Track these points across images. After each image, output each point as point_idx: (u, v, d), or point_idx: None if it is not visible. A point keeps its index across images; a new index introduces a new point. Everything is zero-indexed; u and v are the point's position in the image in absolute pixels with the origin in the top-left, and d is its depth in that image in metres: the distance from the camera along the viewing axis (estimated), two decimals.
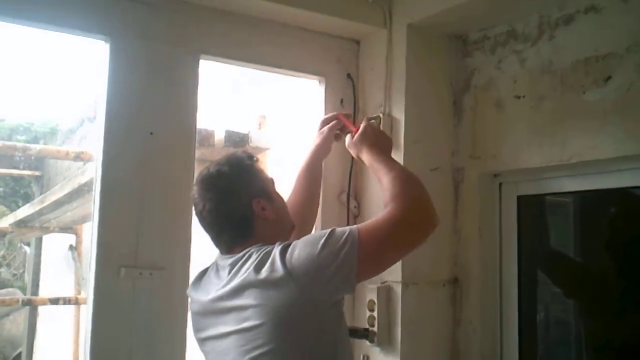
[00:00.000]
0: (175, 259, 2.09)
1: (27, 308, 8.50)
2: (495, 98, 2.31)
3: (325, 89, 2.48)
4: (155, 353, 2.06)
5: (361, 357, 2.36)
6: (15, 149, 5.83)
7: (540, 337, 2.45)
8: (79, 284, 7.13)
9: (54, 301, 6.31)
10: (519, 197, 2.32)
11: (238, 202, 1.73)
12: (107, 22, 2.05)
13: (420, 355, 2.30)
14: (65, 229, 7.51)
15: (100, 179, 2.02)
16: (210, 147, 3.99)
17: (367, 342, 2.27)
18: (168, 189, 2.07)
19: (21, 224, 7.68)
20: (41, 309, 8.33)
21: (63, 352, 7.17)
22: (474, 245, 2.35)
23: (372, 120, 2.26)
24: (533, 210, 2.38)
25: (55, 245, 8.27)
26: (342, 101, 2.49)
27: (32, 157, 7.42)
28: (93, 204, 2.05)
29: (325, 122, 2.20)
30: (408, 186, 1.73)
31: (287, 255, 1.56)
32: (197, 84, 2.19)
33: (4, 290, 10.26)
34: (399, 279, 2.25)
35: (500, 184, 2.37)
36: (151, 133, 2.09)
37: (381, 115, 2.34)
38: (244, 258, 1.64)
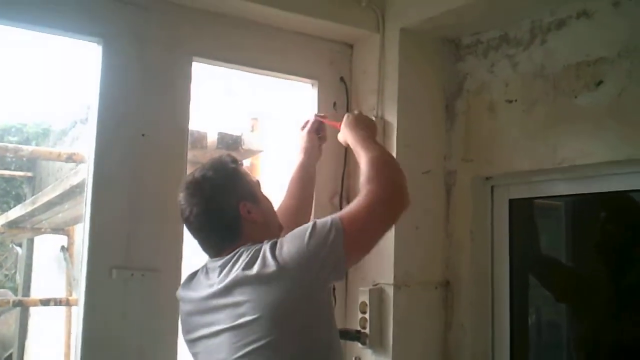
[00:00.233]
0: (167, 261, 2.09)
1: (19, 309, 8.46)
2: (488, 102, 2.32)
3: (318, 92, 2.48)
4: (147, 354, 2.06)
5: (353, 359, 2.36)
6: (7, 150, 5.81)
7: (532, 340, 2.46)
8: (70, 285, 7.11)
9: (45, 302, 6.29)
10: (510, 201, 2.33)
11: (224, 206, 1.74)
12: (100, 25, 2.05)
13: (412, 358, 2.31)
14: (57, 230, 7.49)
15: (92, 180, 2.02)
16: (203, 149, 3.98)
17: (359, 344, 2.28)
18: (160, 190, 2.07)
19: (13, 225, 7.66)
20: (32, 310, 8.29)
21: (54, 354, 7.14)
22: (465, 248, 2.36)
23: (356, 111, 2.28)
24: (525, 214, 2.39)
25: (46, 246, 8.24)
26: (335, 104, 2.49)
27: (24, 158, 7.40)
28: (85, 205, 2.05)
29: (304, 125, 2.27)
30: (382, 169, 1.79)
31: (277, 251, 1.59)
32: (190, 86, 2.19)
33: None
34: (391, 281, 2.26)
35: (492, 187, 2.38)
36: (143, 135, 2.08)
37: (374, 118, 2.35)
38: (234, 258, 1.66)
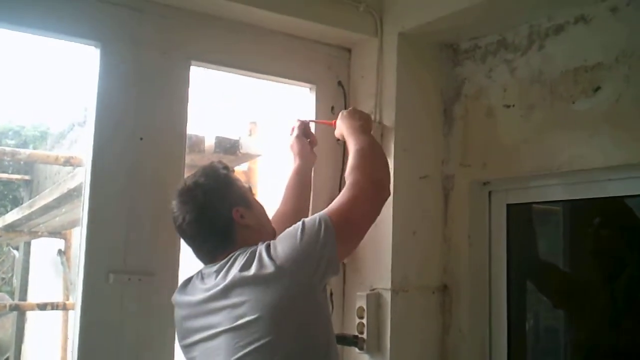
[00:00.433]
0: (164, 265, 2.08)
1: (15, 313, 8.44)
2: (486, 107, 2.32)
3: (316, 96, 2.48)
4: (144, 359, 2.05)
5: None
6: (5, 154, 5.81)
7: (530, 345, 2.45)
8: (67, 289, 7.10)
9: (42, 307, 6.29)
10: (508, 206, 2.33)
11: (217, 212, 1.76)
12: (98, 28, 2.05)
13: None
14: (54, 233, 7.48)
15: (90, 184, 2.01)
16: (201, 153, 3.98)
17: (357, 349, 2.27)
18: (158, 194, 2.06)
19: (9, 228, 7.65)
20: (29, 314, 8.27)
21: (51, 358, 7.12)
22: (463, 253, 2.36)
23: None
24: (523, 219, 2.39)
25: (43, 250, 8.23)
26: (332, 108, 2.49)
27: (22, 162, 7.40)
28: (82, 209, 2.05)
29: (292, 131, 2.32)
30: (366, 160, 1.88)
31: (272, 252, 1.62)
32: (188, 90, 2.19)
33: None
34: (389, 286, 2.26)
35: (490, 192, 2.37)
36: (141, 138, 2.08)
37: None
38: (230, 261, 1.68)
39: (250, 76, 2.46)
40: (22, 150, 6.40)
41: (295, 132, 2.29)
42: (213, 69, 2.35)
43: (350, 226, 1.72)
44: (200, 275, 1.77)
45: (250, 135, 4.35)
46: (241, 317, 1.58)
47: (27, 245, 8.82)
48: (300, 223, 1.68)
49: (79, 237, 2.13)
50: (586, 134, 1.99)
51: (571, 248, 2.41)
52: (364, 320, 2.27)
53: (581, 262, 2.37)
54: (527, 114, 2.17)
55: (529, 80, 2.18)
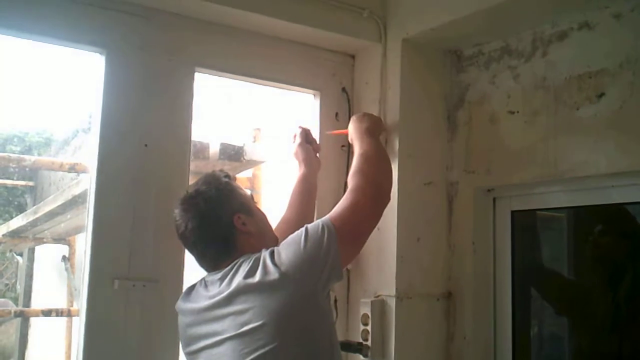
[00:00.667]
0: (169, 272, 2.09)
1: (19, 319, 8.45)
2: (489, 113, 2.32)
3: (320, 102, 2.49)
4: None
5: None
6: (10, 160, 5.83)
7: (534, 352, 2.45)
8: (71, 295, 7.11)
9: (47, 313, 6.29)
10: (512, 212, 2.33)
11: (219, 219, 1.78)
12: (103, 35, 2.06)
13: None
14: (58, 239, 7.49)
15: (95, 191, 2.02)
16: (205, 159, 3.99)
17: (361, 357, 2.27)
18: (162, 201, 2.07)
19: (14, 234, 7.66)
20: (33, 320, 8.28)
21: None
22: (467, 259, 2.35)
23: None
24: (527, 225, 2.39)
25: (48, 256, 8.24)
26: (337, 115, 2.50)
27: (27, 169, 7.41)
28: (87, 216, 2.05)
29: (294, 139, 2.33)
30: (369, 164, 1.91)
31: (276, 258, 1.63)
32: (192, 97, 2.20)
33: None
34: (393, 293, 2.25)
35: (494, 199, 2.37)
36: (146, 145, 2.09)
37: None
38: (234, 268, 1.68)
39: (254, 83, 2.46)
40: (27, 157, 6.43)
41: (298, 140, 2.30)
42: (217, 75, 2.35)
43: (352, 231, 1.74)
44: (204, 282, 1.78)
45: (254, 141, 4.36)
46: (246, 323, 1.59)
47: (31, 251, 8.84)
48: (303, 229, 1.69)
49: (83, 243, 2.14)
50: (590, 140, 1.99)
51: (575, 255, 2.41)
52: (369, 327, 2.26)
53: (585, 268, 2.36)
54: (531, 120, 2.17)
55: (533, 86, 2.18)
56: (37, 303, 8.23)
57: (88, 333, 1.98)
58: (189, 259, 2.07)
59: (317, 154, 2.33)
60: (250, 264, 1.64)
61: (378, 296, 2.30)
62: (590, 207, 2.17)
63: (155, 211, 2.07)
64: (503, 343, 2.31)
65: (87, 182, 2.12)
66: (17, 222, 7.50)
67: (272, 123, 4.34)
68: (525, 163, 2.17)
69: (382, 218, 1.86)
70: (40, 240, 7.77)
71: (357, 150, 2.00)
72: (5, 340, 9.72)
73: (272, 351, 1.57)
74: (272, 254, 1.65)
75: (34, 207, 7.23)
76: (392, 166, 2.07)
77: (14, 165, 6.17)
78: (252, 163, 4.39)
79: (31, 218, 6.86)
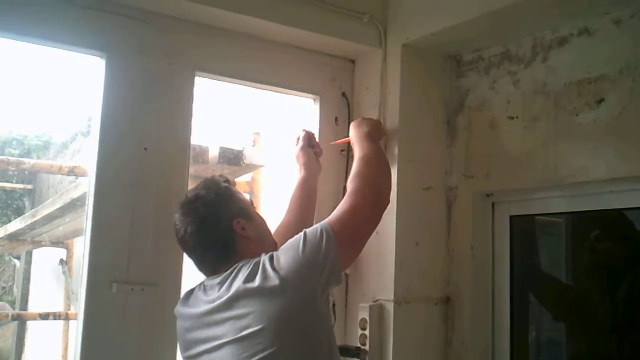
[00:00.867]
0: (167, 275, 2.08)
1: (16, 322, 8.43)
2: (489, 118, 2.32)
3: (320, 107, 2.49)
4: None
5: None
6: (9, 163, 5.83)
7: (532, 357, 2.45)
8: (68, 299, 7.09)
9: (45, 316, 6.30)
10: (511, 217, 2.33)
11: (218, 223, 1.78)
12: (104, 39, 2.06)
13: None
14: (56, 243, 7.49)
15: (94, 194, 2.02)
16: (205, 163, 3.99)
17: None
18: (161, 204, 2.07)
19: (12, 237, 7.66)
20: (30, 323, 8.26)
21: None
22: (466, 264, 2.35)
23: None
24: (525, 230, 2.39)
25: (45, 259, 8.23)
26: (336, 119, 2.50)
27: (26, 172, 7.42)
28: (85, 219, 2.05)
29: (297, 141, 2.33)
30: (369, 167, 1.91)
31: (275, 263, 1.63)
32: (192, 101, 2.20)
33: None
34: (391, 297, 2.25)
35: (493, 204, 2.37)
36: (145, 149, 2.09)
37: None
38: (234, 273, 1.69)
39: (254, 87, 2.46)
40: (26, 160, 6.43)
41: (301, 143, 2.30)
42: (217, 79, 2.35)
43: (351, 234, 1.74)
44: (203, 287, 1.78)
45: (254, 145, 4.36)
46: (245, 328, 1.59)
47: (29, 254, 8.83)
48: (302, 234, 1.69)
49: (81, 246, 2.14)
50: (590, 146, 1.99)
51: (573, 260, 2.41)
52: (367, 332, 2.26)
53: (583, 273, 2.36)
54: (531, 125, 2.18)
55: (533, 92, 2.18)
56: (34, 306, 8.22)
57: (85, 337, 1.97)
58: (188, 263, 2.07)
59: (319, 159, 2.32)
60: (250, 268, 1.64)
61: (376, 300, 2.30)
62: (589, 213, 2.17)
63: (154, 215, 2.07)
64: (501, 348, 2.31)
65: (86, 186, 2.12)
66: (15, 225, 7.49)
67: (272, 127, 4.34)
68: (525, 168, 2.18)
69: (381, 222, 1.86)
70: (38, 244, 7.76)
71: (356, 154, 2.00)
72: (2, 344, 9.70)
73: (271, 355, 1.57)
74: (271, 259, 1.65)
75: (33, 210, 7.22)
76: (392, 171, 2.07)
77: (12, 168, 6.17)
78: (252, 167, 4.39)
79: (29, 221, 6.85)
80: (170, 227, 1.83)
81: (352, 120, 2.42)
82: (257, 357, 1.57)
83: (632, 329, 2.12)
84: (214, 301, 1.67)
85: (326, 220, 1.73)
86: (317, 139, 2.37)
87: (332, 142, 2.43)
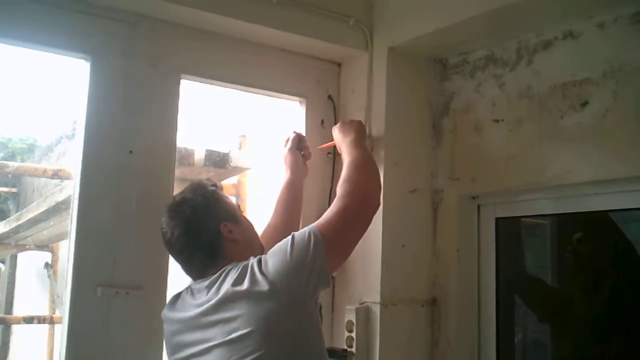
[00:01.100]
0: (153, 279, 2.07)
1: (0, 326, 8.36)
2: (474, 121, 2.33)
3: (306, 110, 2.49)
4: None
5: None
6: None
7: (518, 358, 2.46)
8: (53, 302, 7.04)
9: (29, 320, 6.23)
10: (497, 219, 2.34)
11: (205, 226, 1.78)
12: (89, 41, 2.05)
13: None
14: (41, 246, 7.42)
15: (79, 197, 2.01)
16: (190, 166, 3.98)
17: None
18: (147, 207, 2.06)
19: None
20: (14, 328, 8.19)
21: None
22: (452, 266, 2.36)
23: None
24: (511, 232, 2.40)
25: (30, 263, 8.16)
26: (322, 122, 2.50)
27: (9, 175, 7.36)
28: (70, 222, 2.04)
29: (286, 143, 2.32)
30: (358, 172, 1.90)
31: (263, 267, 1.63)
32: (178, 104, 2.19)
33: None
34: (378, 299, 2.25)
35: (479, 206, 2.38)
36: (130, 151, 2.08)
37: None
38: (222, 276, 1.68)
39: (240, 90, 2.46)
40: (10, 163, 6.36)
41: (289, 144, 2.29)
42: (203, 82, 2.34)
43: (340, 239, 1.73)
44: (190, 290, 1.77)
45: (240, 148, 4.35)
46: (234, 331, 1.58)
47: (14, 258, 8.74)
48: (290, 237, 1.69)
49: (66, 250, 2.12)
50: (574, 148, 2.01)
51: (559, 262, 2.42)
52: (353, 334, 2.26)
53: (567, 275, 2.38)
54: (516, 128, 2.19)
55: (518, 95, 2.19)
56: (18, 310, 8.13)
57: (70, 341, 1.96)
58: (173, 266, 2.07)
59: (306, 162, 2.32)
60: (239, 271, 1.64)
61: (363, 303, 2.30)
62: (574, 215, 2.18)
63: (139, 218, 2.06)
64: (487, 349, 2.31)
65: (71, 189, 2.11)
66: (0, 228, 7.42)
67: (258, 130, 4.34)
68: (510, 171, 2.19)
69: None
70: (22, 247, 7.69)
71: (346, 158, 2.01)
72: None
73: (260, 358, 1.56)
74: (259, 262, 1.64)
75: (17, 213, 7.16)
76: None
77: None
78: (238, 170, 4.38)
79: (14, 225, 6.79)
80: (156, 230, 1.82)
81: (337, 122, 2.43)
82: None
83: (617, 330, 2.13)
84: (202, 304, 1.67)
85: (315, 223, 1.73)
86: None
87: (319, 147, 2.43)
